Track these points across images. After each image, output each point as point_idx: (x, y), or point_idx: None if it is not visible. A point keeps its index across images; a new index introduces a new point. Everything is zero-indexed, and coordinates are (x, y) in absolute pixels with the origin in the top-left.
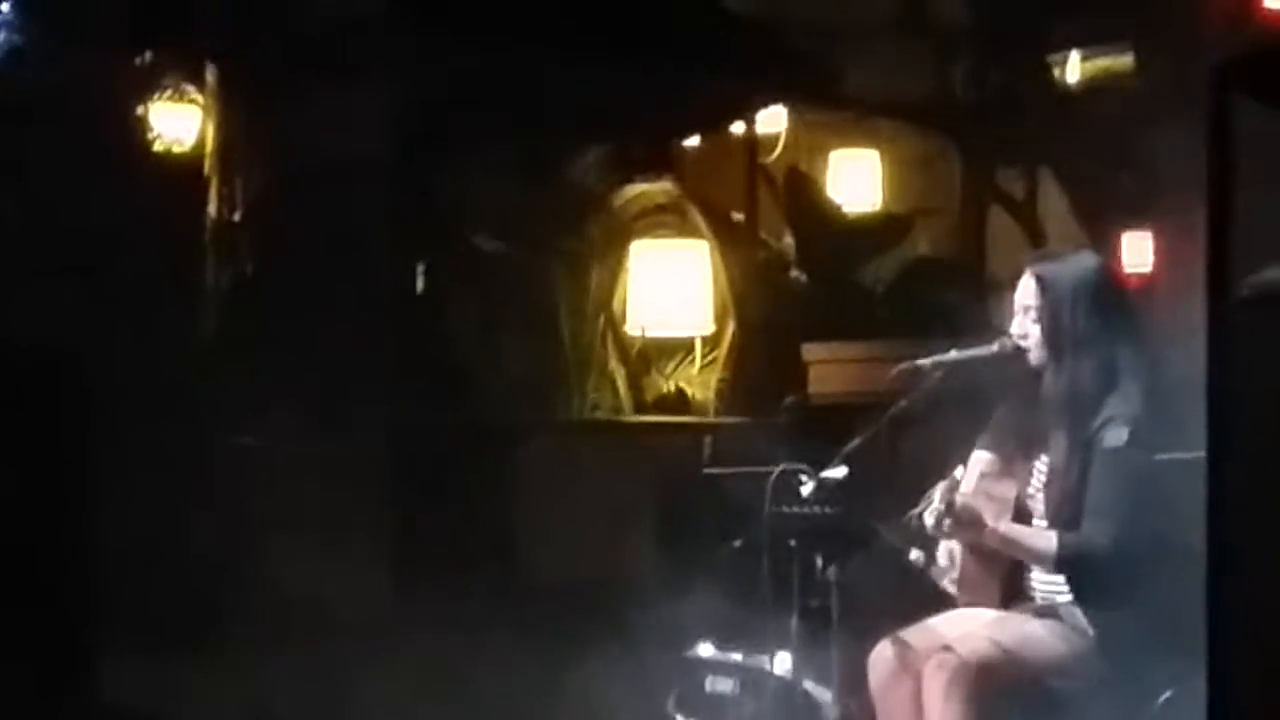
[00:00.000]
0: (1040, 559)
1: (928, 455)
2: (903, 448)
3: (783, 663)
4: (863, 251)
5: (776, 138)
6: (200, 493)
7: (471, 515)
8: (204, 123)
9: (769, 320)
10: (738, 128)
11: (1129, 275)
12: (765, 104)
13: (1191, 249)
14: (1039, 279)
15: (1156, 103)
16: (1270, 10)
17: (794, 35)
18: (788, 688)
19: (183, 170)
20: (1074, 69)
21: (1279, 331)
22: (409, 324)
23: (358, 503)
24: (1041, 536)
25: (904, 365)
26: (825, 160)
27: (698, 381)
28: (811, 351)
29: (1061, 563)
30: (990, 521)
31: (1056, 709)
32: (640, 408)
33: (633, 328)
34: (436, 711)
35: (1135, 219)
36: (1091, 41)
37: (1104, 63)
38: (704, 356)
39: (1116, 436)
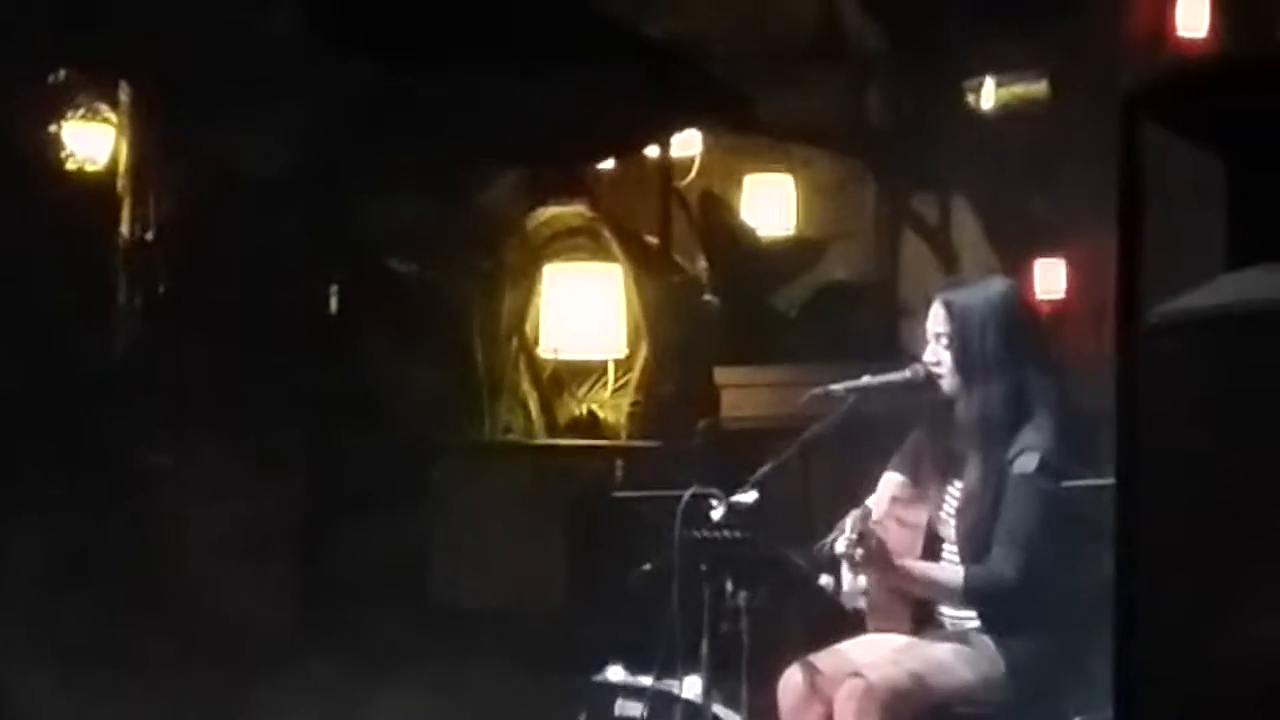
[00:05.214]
0: (948, 595)
1: (840, 481)
2: (815, 473)
3: (692, 687)
4: (776, 276)
5: (691, 161)
6: (112, 512)
7: (383, 537)
8: (117, 142)
9: (682, 344)
10: (652, 151)
11: (1041, 302)
12: (680, 128)
13: (1103, 276)
14: (948, 306)
15: (1069, 130)
16: (1182, 39)
17: (709, 60)
18: (697, 712)
19: (96, 190)
20: (988, 95)
21: (1187, 360)
22: (322, 345)
23: (269, 523)
24: (947, 571)
25: (816, 390)
26: (739, 184)
27: (610, 405)
28: (724, 375)
29: (969, 596)
30: (902, 549)
31: None
32: (552, 430)
33: (545, 350)
34: None
35: (1048, 246)
36: (1006, 68)
37: (1018, 90)
38: (617, 380)
39: (1027, 464)
